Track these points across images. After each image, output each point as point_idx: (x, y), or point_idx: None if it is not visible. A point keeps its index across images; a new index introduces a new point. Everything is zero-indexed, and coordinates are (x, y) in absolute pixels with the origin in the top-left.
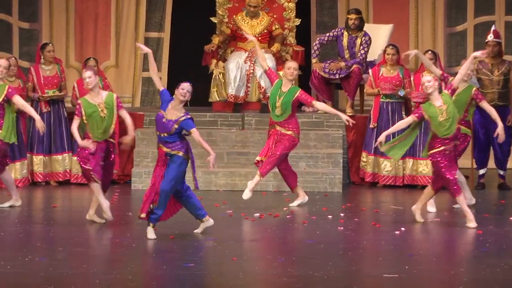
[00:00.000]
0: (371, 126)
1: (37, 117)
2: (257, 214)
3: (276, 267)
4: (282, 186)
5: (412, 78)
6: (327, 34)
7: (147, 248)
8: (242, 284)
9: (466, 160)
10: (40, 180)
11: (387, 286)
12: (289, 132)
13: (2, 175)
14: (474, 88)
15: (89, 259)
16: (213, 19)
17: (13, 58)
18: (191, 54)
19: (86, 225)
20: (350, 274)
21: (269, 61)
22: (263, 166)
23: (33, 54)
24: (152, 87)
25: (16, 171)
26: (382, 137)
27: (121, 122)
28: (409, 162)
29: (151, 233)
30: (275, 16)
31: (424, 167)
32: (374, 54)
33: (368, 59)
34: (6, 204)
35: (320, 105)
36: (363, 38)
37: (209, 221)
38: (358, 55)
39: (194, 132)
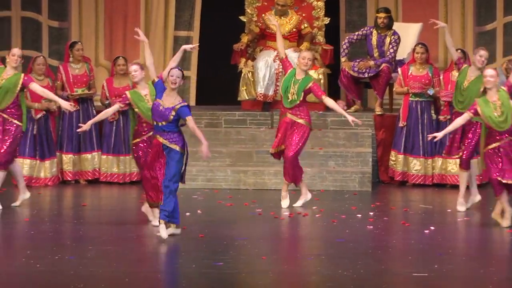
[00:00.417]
0: (400, 125)
1: (60, 100)
2: (287, 213)
3: (306, 266)
4: (311, 185)
5: (441, 77)
6: (356, 33)
7: (177, 247)
8: (271, 283)
9: None
10: (69, 179)
11: (416, 285)
12: (300, 121)
13: (12, 165)
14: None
15: (118, 258)
16: (242, 17)
17: (42, 57)
18: (220, 53)
19: (115, 223)
20: (379, 273)
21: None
22: (287, 175)
23: (62, 52)
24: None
25: (45, 169)
26: (440, 135)
27: None
28: (439, 161)
29: (163, 231)
30: (304, 14)
31: (453, 166)
32: (403, 53)
33: (397, 58)
34: (18, 202)
35: (329, 101)
36: (392, 37)
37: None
38: (387, 54)
39: (190, 120)
